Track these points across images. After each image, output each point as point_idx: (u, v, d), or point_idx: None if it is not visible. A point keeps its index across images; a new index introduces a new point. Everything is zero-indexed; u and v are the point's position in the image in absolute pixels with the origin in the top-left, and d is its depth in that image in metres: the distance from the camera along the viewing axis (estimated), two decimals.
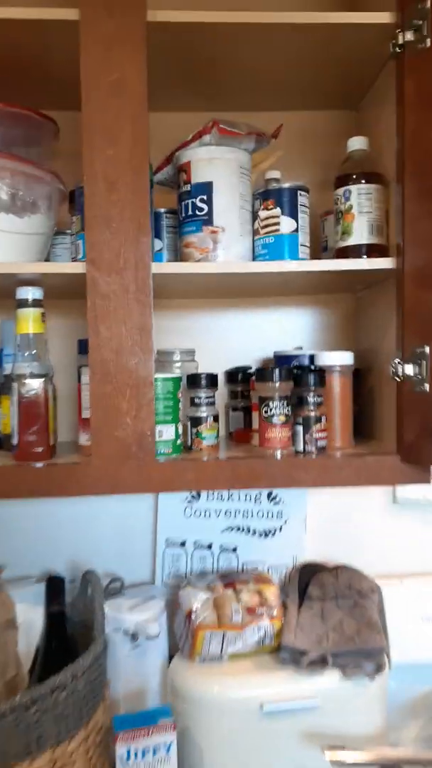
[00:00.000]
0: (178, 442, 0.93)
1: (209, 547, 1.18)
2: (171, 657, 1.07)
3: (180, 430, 0.93)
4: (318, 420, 0.93)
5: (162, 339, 1.10)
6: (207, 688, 0.99)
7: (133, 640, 1.04)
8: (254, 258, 0.94)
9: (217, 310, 1.15)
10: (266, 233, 0.92)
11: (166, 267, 0.87)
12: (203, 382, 0.96)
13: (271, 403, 0.92)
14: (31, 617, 1.04)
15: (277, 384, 0.91)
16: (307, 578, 1.13)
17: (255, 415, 0.95)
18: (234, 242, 0.90)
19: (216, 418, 0.96)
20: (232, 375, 1.10)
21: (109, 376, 0.84)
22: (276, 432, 0.92)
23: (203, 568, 1.18)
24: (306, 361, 1.02)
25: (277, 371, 0.91)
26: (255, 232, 0.93)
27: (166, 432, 0.91)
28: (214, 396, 0.97)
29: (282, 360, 1.05)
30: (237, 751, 0.97)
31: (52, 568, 1.17)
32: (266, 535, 1.17)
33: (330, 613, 1.07)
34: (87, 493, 0.86)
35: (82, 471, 0.86)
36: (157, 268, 0.85)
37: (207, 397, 0.96)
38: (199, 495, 1.17)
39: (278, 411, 0.92)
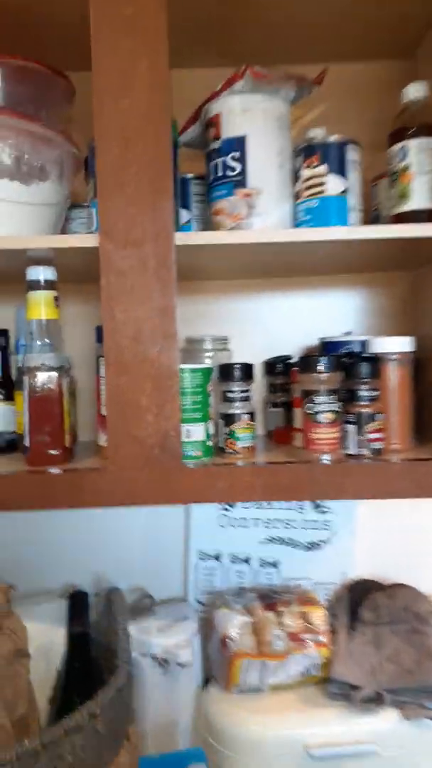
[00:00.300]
0: (209, 443, 0.80)
1: (247, 561, 1.06)
2: (207, 680, 0.96)
3: (211, 430, 0.81)
4: (372, 417, 0.79)
5: (191, 326, 0.98)
6: (245, 725, 0.88)
7: (162, 667, 0.93)
8: (295, 226, 0.80)
9: (254, 292, 1.02)
10: (310, 195, 0.78)
11: (192, 237, 0.74)
12: (237, 373, 0.83)
13: (316, 398, 0.78)
14: (51, 638, 0.95)
15: (324, 375, 0.78)
16: (358, 598, 1.01)
17: (298, 411, 0.82)
18: (272, 207, 0.77)
19: (252, 416, 0.84)
20: (271, 365, 0.97)
21: (126, 366, 0.72)
22: (323, 432, 0.78)
23: (240, 584, 1.06)
24: (358, 349, 0.89)
25: (323, 360, 0.78)
26: (296, 195, 0.80)
27: (195, 432, 0.78)
28: (250, 390, 0.84)
29: (329, 347, 0.92)
30: None
31: (75, 582, 1.07)
32: (311, 548, 1.05)
33: (384, 640, 0.94)
34: (103, 505, 0.74)
35: (96, 479, 0.74)
36: (181, 239, 0.73)
37: (242, 391, 0.83)
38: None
39: (325, 407, 0.78)
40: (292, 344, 1.01)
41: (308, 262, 0.91)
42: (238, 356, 0.97)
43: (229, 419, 0.82)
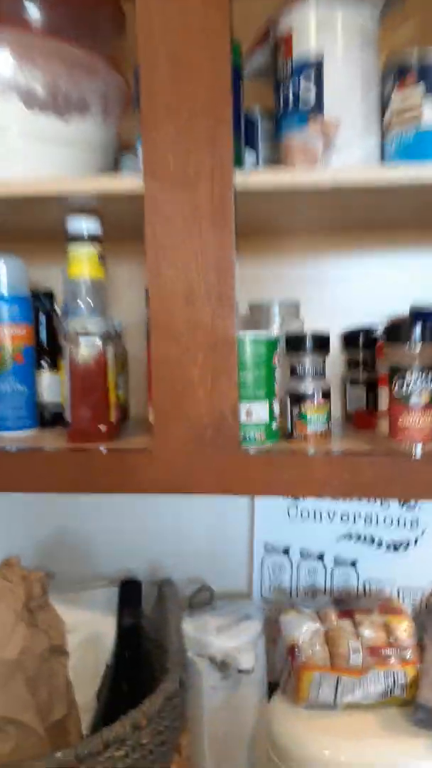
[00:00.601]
0: (274, 426, 0.69)
1: (320, 557, 0.94)
2: (271, 687, 0.86)
3: (276, 410, 0.69)
4: None
5: (257, 290, 0.86)
6: (315, 747, 0.76)
7: (220, 671, 0.83)
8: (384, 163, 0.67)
9: (331, 249, 0.89)
10: (402, 126, 0.63)
11: (255, 177, 0.61)
12: (310, 344, 0.71)
13: (407, 376, 0.65)
14: (100, 628, 0.88)
15: (418, 348, 0.65)
16: None
17: (384, 392, 0.69)
18: (354, 141, 0.64)
19: (327, 395, 0.71)
20: (351, 337, 0.84)
21: (175, 333, 0.62)
22: (415, 418, 0.65)
23: (313, 584, 0.95)
24: None
25: (417, 329, 0.65)
26: (385, 127, 0.66)
27: (257, 412, 0.67)
28: (324, 364, 0.72)
29: (423, 316, 0.77)
30: None
31: (128, 569, 0.99)
32: (396, 548, 0.92)
33: None
34: (148, 491, 0.65)
35: (141, 461, 0.64)
36: (242, 178, 0.61)
37: (314, 366, 0.71)
38: None
39: (419, 387, 0.65)
40: (377, 312, 0.87)
41: (397, 212, 0.77)
42: (312, 325, 0.84)
43: (298, 398, 0.70)
